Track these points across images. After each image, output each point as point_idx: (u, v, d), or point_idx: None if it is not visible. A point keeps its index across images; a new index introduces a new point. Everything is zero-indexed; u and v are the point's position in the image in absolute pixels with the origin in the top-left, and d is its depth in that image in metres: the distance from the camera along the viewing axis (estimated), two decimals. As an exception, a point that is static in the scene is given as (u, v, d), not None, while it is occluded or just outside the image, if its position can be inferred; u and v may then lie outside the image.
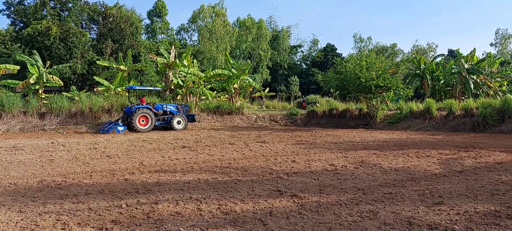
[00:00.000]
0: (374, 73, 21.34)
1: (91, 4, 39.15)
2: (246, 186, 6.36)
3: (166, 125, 20.11)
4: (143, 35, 45.27)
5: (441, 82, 28.38)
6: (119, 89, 24.48)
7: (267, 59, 51.55)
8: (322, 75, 25.79)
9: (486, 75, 26.98)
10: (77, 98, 20.29)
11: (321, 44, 63.33)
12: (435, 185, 6.44)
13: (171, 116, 20.28)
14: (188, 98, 25.74)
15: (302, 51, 63.75)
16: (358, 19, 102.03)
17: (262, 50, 50.51)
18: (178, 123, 19.97)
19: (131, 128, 18.54)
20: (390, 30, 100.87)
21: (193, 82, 25.37)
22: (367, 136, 15.96)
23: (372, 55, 23.95)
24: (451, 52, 51.49)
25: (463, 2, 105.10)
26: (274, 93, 38.80)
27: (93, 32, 40.79)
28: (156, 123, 19.72)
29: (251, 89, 31.71)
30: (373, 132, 18.24)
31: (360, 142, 13.59)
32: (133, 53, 38.17)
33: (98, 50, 37.04)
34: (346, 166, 8.37)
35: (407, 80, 28.34)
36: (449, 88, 27.77)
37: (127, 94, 23.71)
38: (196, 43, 50.75)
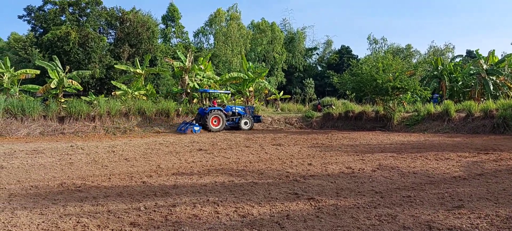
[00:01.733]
0: (390, 75, 21.12)
1: (108, 9, 39.78)
2: (263, 189, 6.37)
3: (234, 125, 21.47)
4: (159, 39, 45.77)
5: (459, 83, 27.92)
6: (136, 93, 24.79)
7: (282, 62, 51.52)
8: (337, 77, 25.62)
9: (506, 76, 26.42)
10: (95, 102, 20.62)
11: (336, 46, 63.01)
12: (455, 188, 6.33)
13: (239, 117, 21.67)
14: (204, 102, 25.91)
15: (317, 54, 63.49)
16: (372, 20, 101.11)
17: (277, 53, 50.50)
18: (245, 123, 21.41)
19: (205, 127, 20.07)
20: (405, 31, 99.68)
21: (209, 86, 25.52)
22: (384, 138, 15.79)
23: (389, 56, 23.72)
24: (469, 53, 50.61)
25: (481, 2, 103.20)
26: (289, 96, 38.69)
27: (110, 37, 41.42)
28: (227, 123, 21.12)
29: (266, 92, 31.72)
30: (390, 134, 18.03)
31: (377, 144, 13.45)
32: (150, 58, 38.68)
33: (115, 55, 37.60)
34: (363, 168, 8.30)
35: (425, 82, 27.95)
36: (468, 89, 27.31)
37: (144, 98, 24.37)
38: (212, 46, 51.05)
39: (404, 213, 4.92)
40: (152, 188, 6.60)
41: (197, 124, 20.20)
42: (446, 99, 24.32)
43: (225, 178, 7.40)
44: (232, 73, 27.56)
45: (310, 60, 62.38)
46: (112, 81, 28.28)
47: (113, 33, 41.23)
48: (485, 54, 30.22)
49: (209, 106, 21.39)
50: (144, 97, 24.82)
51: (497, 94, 25.36)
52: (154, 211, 5.15)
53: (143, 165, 9.17)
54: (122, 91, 25.08)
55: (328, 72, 47.41)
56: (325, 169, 8.33)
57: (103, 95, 27.27)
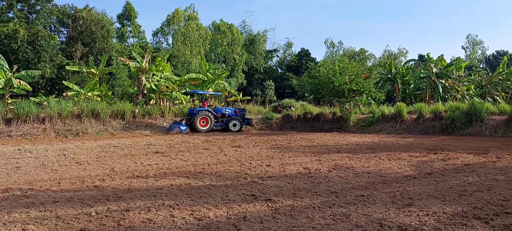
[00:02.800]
0: (347, 77, 21.70)
1: (60, 6, 38.19)
2: (220, 191, 6.32)
3: (224, 127, 21.76)
4: (114, 38, 44.45)
5: (411, 86, 29.12)
6: (89, 94, 23.94)
7: (242, 63, 51.57)
8: (296, 79, 26.02)
9: (454, 79, 27.88)
10: (45, 103, 19.67)
11: (296, 49, 63.99)
12: (405, 187, 6.57)
13: (229, 118, 21.92)
14: (161, 103, 25.46)
15: (277, 56, 64.14)
16: (331, 24, 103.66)
17: (237, 54, 50.48)
18: (234, 125, 21.58)
19: (194, 128, 20.59)
20: (362, 36, 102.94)
21: (167, 87, 25.09)
22: (340, 139, 16.18)
23: (345, 60, 24.36)
24: (421, 57, 52.96)
25: (432, 9, 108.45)
26: (250, 98, 38.83)
27: (62, 35, 39.86)
28: (215, 125, 21.50)
29: (226, 94, 31.64)
30: (346, 135, 18.51)
31: (334, 145, 13.76)
32: (105, 57, 37.48)
33: (67, 54, 36.14)
34: (320, 169, 8.45)
35: (379, 85, 28.94)
36: (419, 92, 28.53)
37: (98, 99, 23.66)
38: (171, 46, 50.21)
39: (357, 212, 5.04)
40: (104, 192, 6.37)
41: (183, 124, 20.72)
42: (399, 101, 25.31)
43: (182, 180, 7.29)
44: (191, 74, 27.27)
45: (271, 62, 62.91)
46: (63, 82, 27.14)
47: (65, 32, 39.69)
48: (435, 58, 31.78)
49: (199, 107, 21.92)
50: (98, 99, 24.02)
51: (446, 96, 26.70)
52: (106, 216, 4.97)
53: (96, 168, 8.85)
54: (74, 92, 24.14)
55: (287, 74, 48.07)
56: (283, 170, 8.41)
57: (54, 96, 26.09)
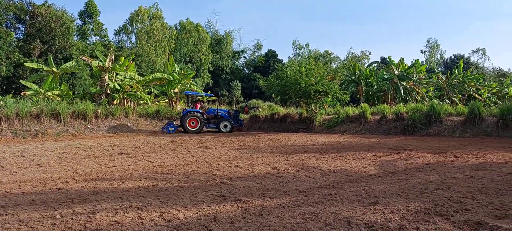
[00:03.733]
0: (313, 79, 22.04)
1: (17, 2, 36.55)
2: (189, 193, 6.26)
3: (216, 128, 22.03)
4: (75, 36, 43.02)
5: (374, 88, 29.96)
6: (49, 93, 23.05)
7: (208, 63, 51.23)
8: (264, 80, 26.17)
9: (414, 81, 28.92)
10: (1, 103, 18.75)
11: (262, 50, 64.26)
12: (371, 185, 6.76)
13: (220, 119, 22.17)
14: (125, 103, 24.92)
15: (245, 57, 64.21)
16: (295, 26, 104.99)
17: (203, 54, 50.10)
18: (225, 126, 21.84)
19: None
20: (327, 37, 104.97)
21: (131, 87, 24.57)
22: (307, 139, 16.41)
23: (311, 61, 24.73)
24: (383, 59, 54.57)
25: (392, 14, 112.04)
26: (216, 98, 38.67)
27: (19, 32, 38.15)
28: (207, 126, 21.96)
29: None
30: (312, 135, 18.79)
31: (301, 145, 13.94)
32: (65, 55, 36.22)
33: (25, 52, 34.62)
34: (288, 169, 8.54)
35: (344, 86, 29.58)
36: (382, 93, 29.40)
37: (58, 98, 22.91)
38: (134, 45, 49.13)
39: (325, 210, 5.14)
40: (69, 194, 6.16)
41: (171, 124, 21.40)
42: (363, 102, 25.98)
43: (149, 182, 7.16)
44: (156, 74, 26.81)
45: (238, 63, 62.90)
46: (21, 81, 25.98)
47: (22, 28, 37.98)
48: (397, 61, 32.85)
49: (189, 108, 22.29)
50: (58, 98, 23.18)
51: (407, 98, 27.66)
52: (72, 219, 4.80)
53: (58, 170, 8.53)
54: (33, 91, 23.17)
55: (254, 75, 48.21)
56: (251, 170, 8.43)
57: (10, 95, 24.95)
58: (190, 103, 23.75)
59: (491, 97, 34.18)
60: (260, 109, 25.80)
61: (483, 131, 17.17)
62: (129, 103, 24.93)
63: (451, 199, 5.70)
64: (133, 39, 51.03)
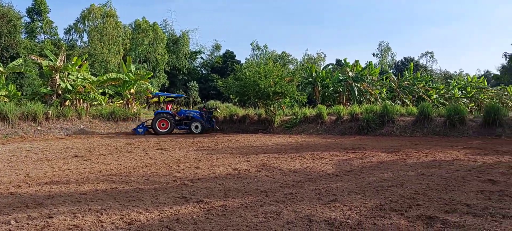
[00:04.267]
0: (271, 80, 22.28)
1: (-42, -3, 34.25)
2: (150, 195, 6.16)
3: (187, 129, 21.59)
4: (23, 34, 40.84)
5: (330, 89, 30.75)
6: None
7: (165, 64, 50.35)
8: (222, 81, 26.11)
9: (368, 83, 29.99)
10: None
11: (220, 50, 64.09)
12: (329, 184, 6.96)
13: (192, 120, 21.78)
14: (78, 104, 24.01)
15: (202, 57, 63.67)
16: (253, 27, 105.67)
17: (159, 54, 49.15)
18: (196, 127, 21.47)
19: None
20: (284, 39, 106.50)
21: (84, 87, 23.69)
22: (266, 140, 16.57)
23: (270, 63, 24.99)
24: (338, 61, 56.12)
25: (347, 17, 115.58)
26: (173, 99, 38.15)
27: (-39, 29, 35.65)
28: (179, 127, 21.56)
29: (149, 95, 30.73)
30: (271, 136, 19.00)
31: (260, 146, 14.07)
32: (12, 54, 34.34)
33: (-33, 50, 32.52)
34: (249, 169, 8.61)
35: (301, 88, 30.13)
36: (337, 95, 30.24)
37: (5, 99, 21.75)
38: (86, 44, 47.35)
39: (287, 209, 5.24)
40: (22, 199, 5.87)
41: (141, 126, 21.11)
42: (320, 103, 26.58)
43: (107, 185, 6.96)
44: (111, 74, 26.02)
45: (195, 63, 62.28)
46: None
47: (-36, 25, 35.55)
48: (351, 63, 33.92)
49: (159, 109, 22.19)
50: (6, 99, 21.95)
51: (362, 99, 28.64)
52: (28, 224, 4.59)
53: (8, 174, 8.10)
54: (-25, 92, 21.81)
55: (212, 75, 47.98)
56: (212, 171, 8.42)
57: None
58: (161, 104, 23.57)
59: (439, 98, 36.08)
60: (218, 110, 25.71)
61: (432, 131, 18.10)
62: (82, 105, 23.99)
63: (404, 195, 5.99)
64: (85, 38, 49.23)
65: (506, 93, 43.44)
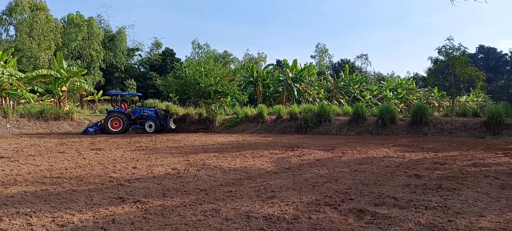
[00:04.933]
0: (212, 79, 22.24)
1: None
2: (83, 196, 5.91)
3: (142, 128, 21.15)
4: None
5: (270, 89, 31.31)
6: None
7: (100, 60, 48.15)
8: (161, 79, 25.58)
9: (306, 83, 30.93)
10: None
11: (162, 48, 62.53)
12: (268, 181, 7.12)
13: (146, 119, 21.25)
14: (4, 102, 22.34)
15: (140, 55, 61.71)
16: (194, 25, 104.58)
17: (94, 50, 46.90)
18: (149, 126, 21.03)
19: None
20: (225, 39, 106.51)
21: (11, 84, 22.07)
22: (207, 139, 16.51)
23: (211, 62, 24.92)
24: (278, 62, 57.18)
25: (287, 18, 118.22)
26: (109, 97, 36.66)
27: None
28: (133, 127, 21.13)
29: (84, 93, 29.32)
30: (212, 135, 18.97)
31: (201, 145, 13.99)
32: None
33: None
34: (189, 169, 8.54)
35: (242, 87, 30.37)
36: (278, 94, 30.87)
37: None
38: (13, 39, 43.97)
39: (226, 206, 5.29)
40: None
41: (92, 125, 20.69)
42: (260, 103, 26.97)
43: (37, 187, 6.57)
44: (40, 70, 24.47)
45: (132, 60, 60.21)
46: None
47: None
48: (291, 64, 34.75)
49: (113, 109, 21.60)
50: None
51: (300, 99, 29.49)
52: None
53: None
54: None
55: (151, 73, 46.78)
56: (150, 171, 8.24)
57: None
58: (115, 104, 22.67)
59: (373, 99, 38.10)
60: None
61: (365, 129, 19.11)
62: (8, 103, 22.35)
63: (338, 190, 6.29)
64: (12, 31, 45.66)
65: (432, 94, 46.86)
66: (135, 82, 47.13)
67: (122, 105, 22.12)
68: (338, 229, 4.29)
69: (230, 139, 16.58)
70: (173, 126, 22.06)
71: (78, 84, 26.74)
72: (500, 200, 5.56)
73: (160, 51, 60.51)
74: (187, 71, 22.95)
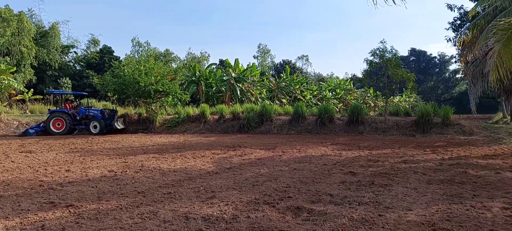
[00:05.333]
0: (153, 78, 21.72)
1: None
2: (10, 202, 5.53)
3: (87, 129, 20.16)
4: None
5: (213, 89, 31.20)
6: None
7: (31, 58, 45.07)
8: (98, 78, 24.53)
9: (249, 83, 31.20)
10: None
11: (99, 46, 59.76)
12: (208, 181, 7.10)
13: (92, 120, 20.22)
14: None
15: (75, 52, 58.55)
16: (134, 23, 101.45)
17: (24, 47, 43.80)
18: (94, 127, 20.04)
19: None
20: (167, 37, 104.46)
21: None
22: (146, 140, 16.10)
23: (151, 60, 24.32)
24: (221, 62, 57.06)
25: (230, 18, 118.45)
26: (42, 97, 34.42)
27: None
28: (78, 128, 20.10)
29: (13, 92, 27.33)
30: (152, 136, 18.53)
31: (140, 146, 13.63)
32: None
33: None
34: (126, 171, 8.29)
35: (184, 86, 29.97)
36: (220, 94, 30.84)
37: None
38: None
39: (164, 208, 5.22)
40: None
41: (33, 126, 19.79)
42: (203, 103, 26.78)
43: (-45, 194, 6.05)
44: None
45: (67, 58, 56.97)
46: None
47: None
48: (233, 64, 34.86)
49: (55, 109, 20.70)
50: None
51: (243, 99, 29.68)
52: None
53: None
54: None
55: (87, 72, 44.71)
56: (85, 174, 7.90)
57: None
58: (62, 104, 21.36)
59: (313, 99, 39.27)
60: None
61: (305, 128, 19.66)
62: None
63: (277, 189, 6.44)
64: None
65: (368, 94, 49.25)
66: (70, 81, 44.67)
67: (67, 105, 20.91)
68: (276, 227, 4.40)
69: (171, 140, 16.30)
70: (120, 126, 21.15)
71: (7, 82, 24.90)
72: (426, 194, 5.99)
73: (98, 49, 57.87)
74: (126, 70, 22.20)
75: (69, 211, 5.09)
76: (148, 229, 4.35)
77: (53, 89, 23.18)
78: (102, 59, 53.35)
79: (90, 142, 15.21)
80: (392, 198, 5.75)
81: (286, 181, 7.14)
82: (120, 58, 52.30)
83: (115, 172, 8.11)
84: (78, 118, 20.37)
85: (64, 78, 44.75)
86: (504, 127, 18.40)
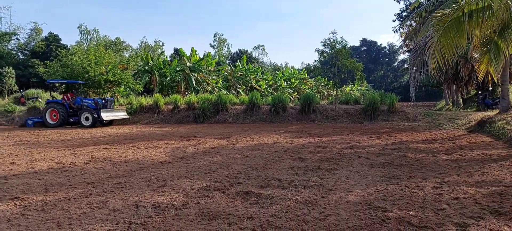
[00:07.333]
0: (103, 67, 21.10)
1: None
2: None
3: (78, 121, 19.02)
4: None
5: (168, 78, 30.73)
6: None
7: (-32, 46, 42.16)
8: (45, 67, 23.45)
9: (205, 73, 31.02)
10: None
11: (44, 33, 56.77)
12: (160, 171, 7.13)
13: (84, 111, 18.82)
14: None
15: (18, 39, 55.23)
16: (81, 9, 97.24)
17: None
18: (86, 119, 18.56)
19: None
20: (116, 24, 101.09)
21: None
22: (97, 131, 15.71)
23: (101, 49, 23.57)
24: (176, 51, 56.06)
25: (185, 6, 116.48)
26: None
27: None
28: (74, 119, 18.92)
29: None
30: (104, 127, 18.07)
31: (90, 138, 13.30)
32: None
33: None
34: (75, 162, 8.12)
35: (137, 76, 29.30)
36: (175, 84, 30.45)
37: None
38: None
39: (114, 198, 5.22)
40: None
41: (31, 118, 19.59)
42: (157, 93, 26.35)
43: None
44: None
45: (9, 46, 53.68)
46: None
47: None
48: (189, 53, 34.45)
49: (52, 99, 20.03)
50: None
51: (199, 89, 29.48)
52: None
53: None
54: None
55: (32, 61, 42.56)
56: (31, 166, 7.66)
57: None
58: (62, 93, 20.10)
59: (268, 88, 39.69)
60: (40, 100, 23.05)
61: (260, 117, 19.96)
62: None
63: (229, 176, 6.59)
64: None
65: (322, 84, 50.44)
66: (13, 70, 42.25)
67: (67, 95, 19.57)
68: (224, 211, 4.55)
69: (123, 130, 16.00)
70: (116, 117, 19.64)
71: None
72: (367, 177, 6.38)
73: (42, 37, 54.91)
74: (74, 59, 21.38)
75: (14, 203, 4.97)
76: (97, 218, 4.35)
77: (51, 79, 21.46)
78: (49, 47, 50.83)
79: (36, 134, 14.62)
80: (336, 181, 6.08)
81: (238, 168, 7.31)
82: (68, 47, 50.05)
83: (63, 164, 7.93)
84: (74, 108, 19.23)
85: (6, 67, 42.26)
86: (444, 113, 19.66)
